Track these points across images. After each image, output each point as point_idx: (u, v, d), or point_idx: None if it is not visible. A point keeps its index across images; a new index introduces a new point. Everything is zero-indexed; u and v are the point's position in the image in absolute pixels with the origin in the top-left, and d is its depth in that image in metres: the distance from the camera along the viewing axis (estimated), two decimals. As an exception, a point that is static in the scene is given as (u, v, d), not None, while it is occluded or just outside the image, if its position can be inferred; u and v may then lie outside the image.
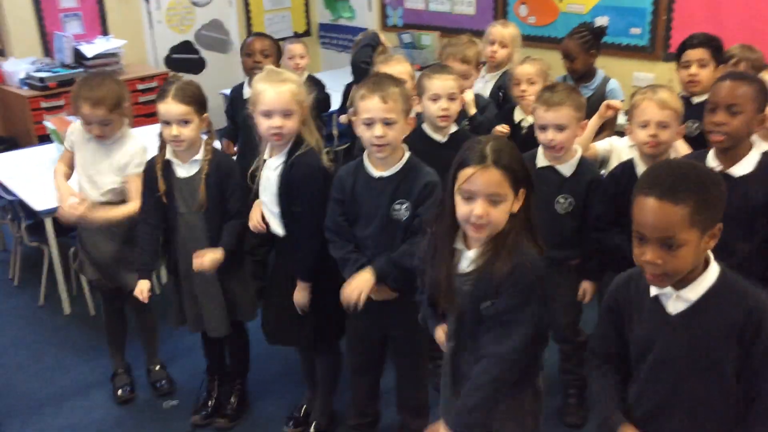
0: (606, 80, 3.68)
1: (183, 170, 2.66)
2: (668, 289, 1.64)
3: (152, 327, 3.21)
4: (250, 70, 3.73)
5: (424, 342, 2.46)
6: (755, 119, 2.24)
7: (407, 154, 2.35)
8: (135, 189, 2.82)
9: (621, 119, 3.74)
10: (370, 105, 2.24)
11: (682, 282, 1.62)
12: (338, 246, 2.41)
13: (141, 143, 2.91)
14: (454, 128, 2.82)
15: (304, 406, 2.97)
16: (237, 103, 3.77)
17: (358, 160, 2.39)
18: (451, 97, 2.73)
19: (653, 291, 1.67)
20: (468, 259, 1.87)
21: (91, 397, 3.20)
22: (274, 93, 2.40)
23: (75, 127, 2.94)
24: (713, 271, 1.63)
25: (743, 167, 2.28)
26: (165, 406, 3.11)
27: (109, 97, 2.75)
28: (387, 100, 2.23)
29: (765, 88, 2.29)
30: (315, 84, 3.95)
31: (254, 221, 2.63)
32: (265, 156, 2.56)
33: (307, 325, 2.64)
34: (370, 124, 2.24)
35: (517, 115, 3.32)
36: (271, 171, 2.53)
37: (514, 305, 1.81)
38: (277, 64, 3.76)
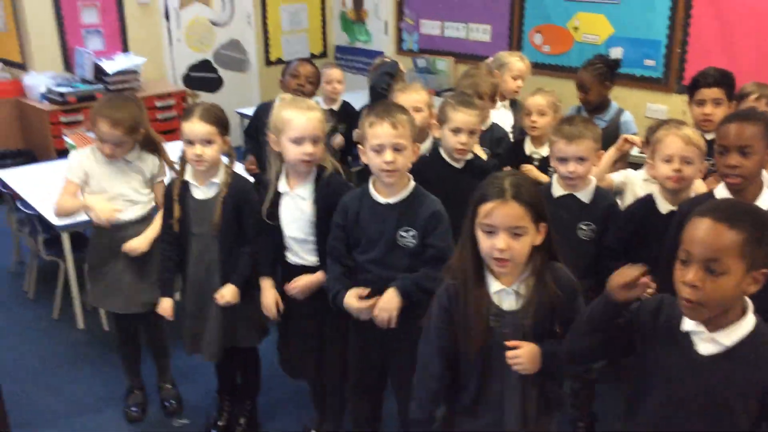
0: (620, 112, 3.71)
1: (200, 192, 2.70)
2: (702, 329, 1.62)
3: (163, 346, 3.24)
4: (292, 92, 3.78)
5: None
6: (766, 155, 2.25)
7: (412, 183, 2.38)
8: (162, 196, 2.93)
9: (633, 151, 3.78)
10: (380, 131, 2.27)
11: (716, 324, 1.61)
12: (338, 274, 2.44)
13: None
14: (470, 155, 2.87)
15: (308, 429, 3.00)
16: (264, 116, 3.81)
17: (363, 188, 2.42)
18: (472, 131, 2.80)
19: (686, 326, 1.65)
20: (513, 295, 1.91)
21: (103, 412, 3.22)
22: (304, 119, 2.44)
23: (81, 156, 2.92)
24: (750, 320, 1.62)
25: (761, 203, 2.27)
26: (175, 425, 3.13)
27: (129, 119, 2.80)
28: (397, 126, 2.27)
29: None
30: (348, 112, 4.09)
31: (268, 305, 2.66)
32: (282, 189, 2.57)
33: (335, 358, 2.67)
34: (379, 150, 2.27)
35: (528, 148, 3.36)
36: (299, 200, 2.54)
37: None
38: (315, 91, 3.85)
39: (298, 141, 2.45)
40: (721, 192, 2.35)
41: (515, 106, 3.88)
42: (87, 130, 2.92)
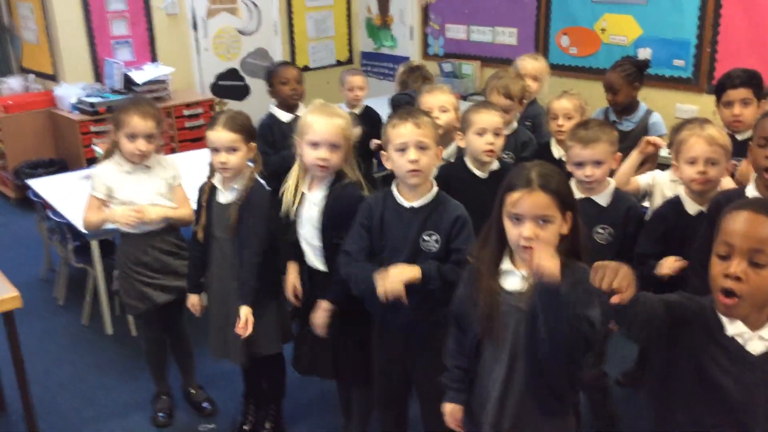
0: (648, 113, 3.65)
1: (223, 196, 2.73)
2: (744, 329, 1.61)
3: (188, 349, 3.26)
4: (289, 98, 3.80)
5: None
6: None
7: (436, 188, 2.37)
8: (182, 197, 2.99)
9: (663, 152, 3.71)
10: (404, 130, 2.27)
11: (757, 324, 1.60)
12: (354, 264, 2.37)
13: (172, 159, 3.05)
14: (495, 165, 2.83)
15: None
16: (275, 130, 3.81)
17: (386, 191, 2.40)
18: (497, 133, 2.77)
19: (731, 331, 1.63)
20: (519, 277, 1.89)
21: (131, 418, 3.24)
22: (324, 125, 2.46)
23: (103, 170, 2.94)
24: None
25: None
26: (201, 430, 3.14)
27: (156, 113, 2.89)
28: (420, 125, 2.27)
29: None
30: (371, 116, 4.03)
31: (290, 288, 2.68)
32: (304, 189, 2.59)
33: (343, 358, 2.66)
34: (403, 149, 2.26)
35: (556, 152, 3.31)
36: (311, 204, 2.57)
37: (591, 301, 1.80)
38: (303, 91, 3.85)
39: (314, 145, 2.47)
40: (751, 191, 2.30)
41: (533, 105, 3.84)
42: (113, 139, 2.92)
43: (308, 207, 2.58)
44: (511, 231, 1.84)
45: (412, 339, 2.41)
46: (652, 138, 2.98)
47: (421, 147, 2.26)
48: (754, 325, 1.61)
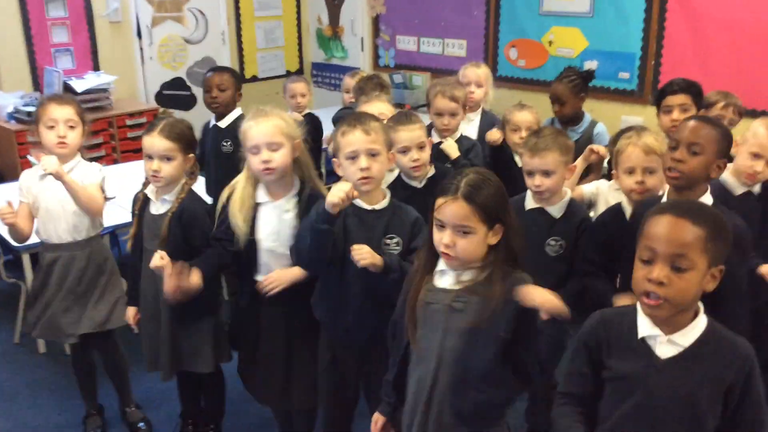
0: (593, 124, 3.67)
1: (154, 207, 2.62)
2: (658, 332, 1.62)
3: (122, 368, 3.11)
4: (209, 106, 3.72)
5: None
6: (715, 163, 2.20)
7: (389, 194, 2.33)
8: (96, 192, 2.81)
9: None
10: (353, 138, 2.22)
11: (673, 327, 1.61)
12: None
13: (97, 166, 2.91)
14: (432, 171, 2.79)
15: None
16: (204, 137, 3.78)
17: None
18: (420, 146, 2.70)
19: (642, 332, 1.65)
20: (452, 276, 1.87)
21: (62, 439, 3.10)
22: (257, 128, 2.38)
23: (26, 175, 2.87)
24: (703, 319, 1.64)
25: None
26: (137, 451, 3.02)
27: (75, 103, 2.78)
28: (369, 132, 2.22)
29: (729, 135, 2.27)
30: (311, 122, 3.95)
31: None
32: (261, 199, 2.48)
33: (300, 384, 2.56)
34: (354, 157, 2.22)
35: (520, 162, 3.28)
36: (283, 213, 2.45)
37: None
38: (237, 97, 3.75)
39: (255, 150, 2.38)
40: (670, 194, 2.30)
41: (485, 115, 3.83)
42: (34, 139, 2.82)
43: (277, 216, 2.46)
44: (435, 235, 1.85)
45: (368, 353, 2.35)
46: (595, 146, 2.98)
47: (372, 154, 2.22)
48: (671, 328, 1.61)
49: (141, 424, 3.11)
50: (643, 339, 1.64)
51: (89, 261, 2.83)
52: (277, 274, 2.38)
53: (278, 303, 2.48)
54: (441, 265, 1.91)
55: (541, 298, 1.74)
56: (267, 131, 2.37)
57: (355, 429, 2.61)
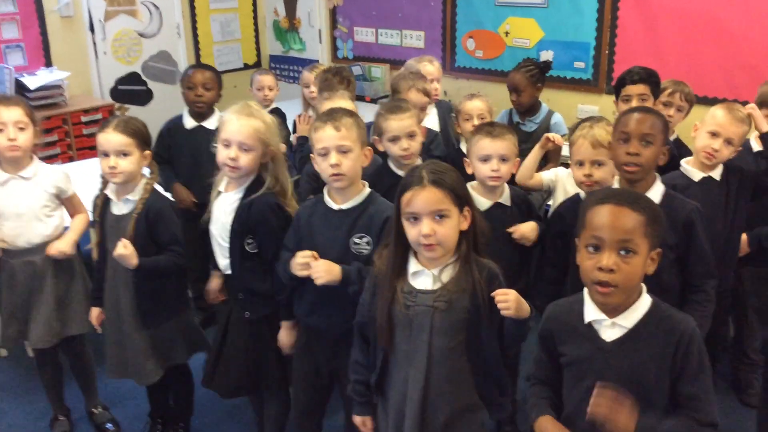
0: (550, 114, 3.74)
1: (117, 207, 2.59)
2: (603, 317, 1.70)
3: (89, 369, 3.09)
4: (192, 104, 3.67)
5: None
6: (661, 151, 2.29)
7: (368, 189, 2.33)
8: (78, 203, 2.85)
9: (566, 151, 3.80)
10: (323, 135, 2.23)
11: (617, 310, 1.69)
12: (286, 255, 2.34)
13: (60, 169, 2.88)
14: (419, 161, 2.81)
15: None
16: (174, 133, 3.72)
17: (318, 197, 2.36)
18: (411, 135, 2.74)
19: (588, 317, 1.73)
20: (431, 277, 1.89)
21: (27, 443, 3.06)
22: (237, 125, 2.38)
23: None
24: (646, 299, 1.72)
25: (652, 195, 2.28)
26: (106, 452, 3.00)
27: (23, 103, 2.72)
28: (340, 128, 2.22)
29: (667, 122, 2.37)
30: (279, 116, 3.92)
31: (213, 294, 2.62)
32: (221, 188, 2.52)
33: (263, 370, 2.58)
34: (325, 154, 2.22)
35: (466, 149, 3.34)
36: (226, 205, 2.48)
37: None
38: (218, 96, 3.72)
39: (226, 143, 2.39)
40: (617, 186, 2.37)
41: (441, 107, 3.88)
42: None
43: (222, 206, 2.49)
44: (411, 231, 1.85)
45: (341, 347, 2.33)
46: (551, 135, 3.04)
47: (343, 151, 2.21)
48: (615, 311, 1.69)
49: (109, 425, 3.09)
50: (589, 324, 1.73)
51: (61, 262, 2.79)
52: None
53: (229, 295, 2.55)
54: (414, 266, 1.92)
55: (515, 304, 1.81)
56: (244, 131, 2.37)
57: (326, 423, 2.64)
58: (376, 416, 2.08)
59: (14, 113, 2.64)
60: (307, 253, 2.20)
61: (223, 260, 2.53)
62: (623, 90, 3.22)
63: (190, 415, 2.98)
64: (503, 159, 2.58)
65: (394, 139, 2.74)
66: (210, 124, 3.68)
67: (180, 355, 2.72)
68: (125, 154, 2.50)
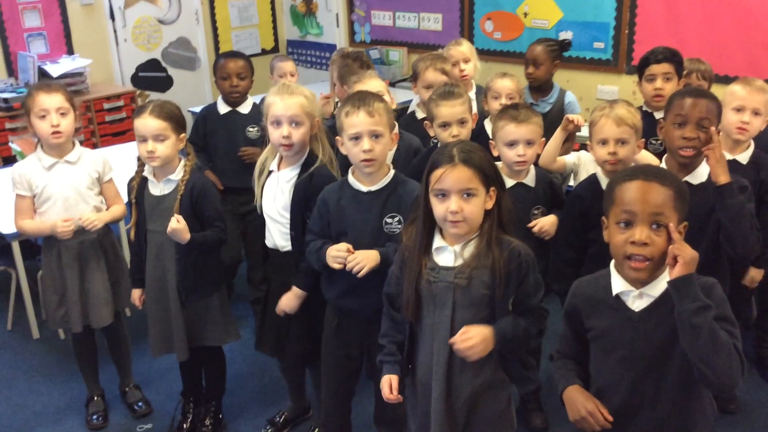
0: (563, 93, 3.76)
1: (156, 189, 2.66)
2: (630, 288, 1.74)
3: (126, 348, 3.17)
4: (229, 94, 3.69)
5: None
6: (714, 133, 2.31)
7: (392, 171, 2.37)
8: (114, 193, 2.92)
9: (585, 131, 3.81)
10: (356, 120, 2.26)
11: (643, 282, 1.73)
12: (317, 243, 2.37)
13: (100, 153, 2.94)
14: None
15: (285, 414, 3.00)
16: (209, 120, 3.76)
17: (343, 180, 2.40)
18: (462, 122, 2.79)
19: (615, 290, 1.77)
20: (453, 253, 1.93)
21: (63, 422, 3.14)
22: (283, 104, 2.45)
23: (23, 167, 2.83)
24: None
25: (698, 176, 2.36)
26: (139, 430, 3.07)
27: (63, 89, 2.78)
28: (373, 114, 2.26)
29: (720, 103, 2.39)
30: None
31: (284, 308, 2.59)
32: (272, 167, 2.58)
33: (305, 340, 2.64)
34: (357, 138, 2.26)
35: (490, 131, 3.35)
36: (284, 183, 2.54)
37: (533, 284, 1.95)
38: (251, 82, 3.76)
39: (276, 123, 2.46)
40: (671, 168, 2.38)
41: (480, 90, 3.83)
42: (34, 135, 2.80)
43: (277, 184, 2.55)
44: (438, 207, 1.90)
45: (373, 326, 2.35)
46: (571, 116, 3.05)
47: (375, 135, 2.26)
48: (642, 283, 1.73)
49: (139, 405, 3.16)
50: (617, 296, 1.76)
51: (105, 240, 2.90)
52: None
53: (281, 270, 2.60)
54: (438, 242, 1.97)
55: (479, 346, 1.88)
56: (291, 108, 2.44)
57: (355, 407, 2.69)
58: (403, 384, 2.11)
59: (56, 100, 2.72)
60: (342, 246, 2.25)
61: (280, 239, 2.58)
62: (647, 70, 3.22)
63: (222, 393, 3.04)
64: (529, 143, 2.61)
65: (445, 125, 2.78)
66: (243, 108, 3.73)
67: (220, 337, 2.80)
68: (162, 139, 2.56)
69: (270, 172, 2.59)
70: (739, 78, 2.92)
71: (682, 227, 1.70)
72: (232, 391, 3.13)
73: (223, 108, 3.74)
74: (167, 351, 2.80)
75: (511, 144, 2.63)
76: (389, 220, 2.30)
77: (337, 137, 2.38)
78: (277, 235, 2.59)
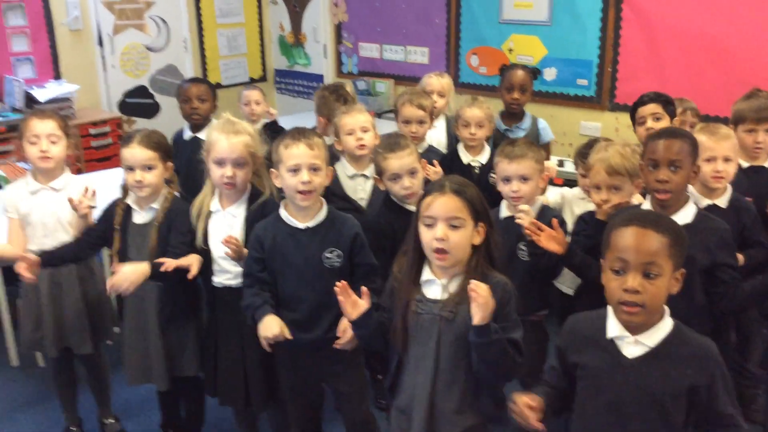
0: (535, 120, 3.84)
1: (139, 216, 2.65)
2: (626, 334, 1.73)
3: (104, 379, 3.13)
4: (188, 117, 3.74)
5: (363, 379, 2.60)
6: (692, 171, 2.32)
7: (326, 206, 2.39)
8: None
9: (569, 167, 3.86)
10: (296, 152, 2.28)
11: (640, 328, 1.72)
12: (253, 293, 2.36)
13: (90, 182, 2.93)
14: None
15: None
16: (177, 148, 3.76)
17: (274, 216, 2.40)
18: (412, 172, 2.69)
19: (611, 333, 1.75)
20: (440, 286, 1.95)
21: (39, 453, 3.10)
22: (227, 143, 2.45)
23: (12, 190, 2.86)
24: (668, 321, 1.74)
25: (683, 217, 2.30)
26: (117, 462, 3.04)
27: (57, 117, 2.82)
28: (313, 147, 2.30)
29: (695, 140, 2.37)
30: (276, 131, 3.98)
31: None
32: (213, 208, 2.56)
33: (259, 383, 2.60)
34: (296, 170, 2.27)
35: (464, 157, 3.40)
36: (231, 219, 2.53)
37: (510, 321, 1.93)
38: (214, 108, 3.79)
39: (219, 163, 2.46)
40: (647, 207, 2.40)
41: (449, 120, 3.92)
42: (18, 160, 2.82)
43: (226, 222, 2.54)
44: (425, 235, 1.92)
45: (323, 354, 2.38)
46: (549, 168, 3.06)
47: (314, 168, 2.28)
48: (638, 330, 1.72)
49: (118, 437, 3.12)
50: (611, 340, 1.76)
51: (83, 268, 2.88)
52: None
53: (231, 309, 2.54)
54: (426, 274, 1.99)
55: (484, 300, 1.81)
56: (236, 148, 2.45)
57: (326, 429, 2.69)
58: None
59: (47, 126, 2.75)
60: (276, 330, 2.25)
61: (224, 276, 2.55)
62: (636, 114, 3.28)
63: (201, 424, 3.01)
64: (524, 179, 2.62)
65: (395, 178, 2.69)
66: (203, 134, 3.73)
67: (194, 366, 2.76)
68: (150, 168, 2.57)
69: (210, 212, 2.56)
70: (702, 126, 2.88)
71: (680, 274, 1.70)
72: (209, 422, 3.10)
73: (187, 134, 3.79)
74: (145, 380, 2.76)
75: (506, 180, 2.65)
76: (329, 255, 2.33)
77: (272, 170, 2.39)
78: (221, 274, 2.55)
